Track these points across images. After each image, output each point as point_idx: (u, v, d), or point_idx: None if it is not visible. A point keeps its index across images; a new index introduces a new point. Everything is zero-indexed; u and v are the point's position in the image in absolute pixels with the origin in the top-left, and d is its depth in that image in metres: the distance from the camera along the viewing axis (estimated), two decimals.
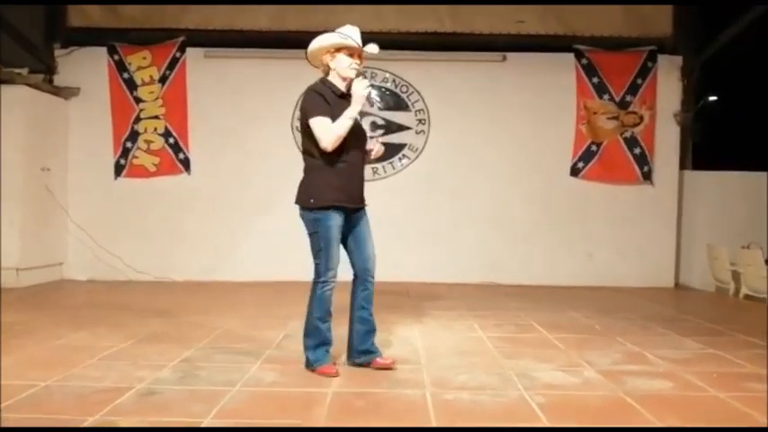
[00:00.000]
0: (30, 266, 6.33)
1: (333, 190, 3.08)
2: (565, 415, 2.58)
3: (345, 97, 3.13)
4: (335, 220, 3.09)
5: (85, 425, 2.39)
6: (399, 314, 4.84)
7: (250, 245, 6.97)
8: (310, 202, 3.10)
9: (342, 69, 3.14)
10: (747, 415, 2.62)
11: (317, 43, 3.17)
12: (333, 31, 3.16)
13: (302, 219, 3.17)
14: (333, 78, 3.18)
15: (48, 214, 6.64)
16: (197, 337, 3.93)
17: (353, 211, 3.20)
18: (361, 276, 3.23)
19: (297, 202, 3.17)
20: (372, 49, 3.15)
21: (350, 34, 3.13)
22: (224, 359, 3.42)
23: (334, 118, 3.05)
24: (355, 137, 3.15)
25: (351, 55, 3.13)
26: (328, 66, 3.18)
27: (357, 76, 3.11)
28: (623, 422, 2.53)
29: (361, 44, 3.14)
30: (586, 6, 6.90)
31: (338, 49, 3.13)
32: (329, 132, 3.03)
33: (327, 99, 3.09)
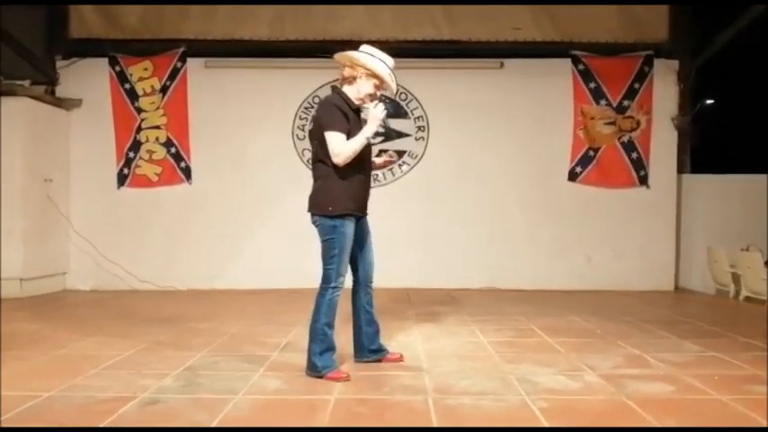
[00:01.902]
0: (33, 276, 6.35)
1: (349, 199, 3.19)
2: (566, 419, 2.59)
3: (357, 111, 3.26)
4: (350, 228, 3.21)
5: None
6: (400, 320, 4.86)
7: (252, 253, 6.98)
8: (329, 209, 3.17)
9: (363, 91, 3.24)
10: (749, 417, 2.63)
11: (362, 58, 3.23)
12: (379, 49, 3.30)
13: (317, 225, 3.23)
14: (348, 90, 3.26)
15: (50, 224, 6.66)
16: (200, 345, 3.95)
17: (360, 219, 3.33)
18: (364, 282, 3.41)
19: (312, 210, 3.24)
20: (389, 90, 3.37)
21: (390, 72, 3.26)
22: (227, 367, 3.43)
23: (349, 133, 3.15)
24: (366, 148, 3.26)
25: (378, 86, 3.26)
26: (353, 77, 3.25)
27: (372, 100, 3.23)
28: (625, 426, 2.53)
29: (394, 87, 3.33)
30: (583, 12, 6.93)
31: (374, 75, 3.22)
32: (344, 149, 3.13)
33: (345, 114, 3.18)
